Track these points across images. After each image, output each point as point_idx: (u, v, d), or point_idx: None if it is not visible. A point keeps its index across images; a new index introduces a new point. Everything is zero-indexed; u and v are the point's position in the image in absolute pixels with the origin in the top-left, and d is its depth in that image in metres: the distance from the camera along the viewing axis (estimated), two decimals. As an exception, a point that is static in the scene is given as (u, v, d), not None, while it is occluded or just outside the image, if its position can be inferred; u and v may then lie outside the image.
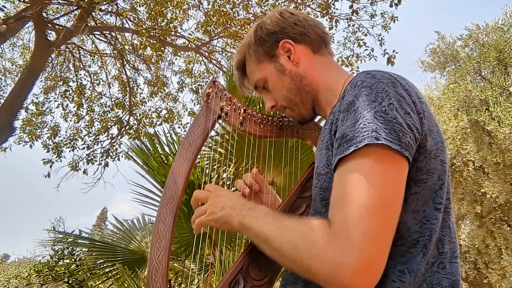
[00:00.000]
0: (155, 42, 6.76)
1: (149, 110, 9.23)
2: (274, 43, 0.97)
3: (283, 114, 1.09)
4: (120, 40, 8.56)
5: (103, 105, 9.12)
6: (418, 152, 0.71)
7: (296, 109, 1.00)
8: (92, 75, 9.26)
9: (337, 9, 8.11)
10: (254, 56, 1.00)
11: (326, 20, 7.37)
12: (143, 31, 6.19)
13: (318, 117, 1.06)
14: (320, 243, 0.65)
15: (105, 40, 8.53)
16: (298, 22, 0.98)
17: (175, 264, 3.14)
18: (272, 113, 1.09)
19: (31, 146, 8.43)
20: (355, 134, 0.67)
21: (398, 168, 0.67)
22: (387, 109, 0.68)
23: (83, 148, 8.54)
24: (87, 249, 3.42)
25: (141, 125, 8.90)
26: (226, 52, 8.63)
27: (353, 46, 7.63)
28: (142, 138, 6.93)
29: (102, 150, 8.61)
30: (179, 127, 8.93)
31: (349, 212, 0.64)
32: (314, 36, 0.98)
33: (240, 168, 2.43)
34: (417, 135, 0.69)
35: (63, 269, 3.65)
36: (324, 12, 7.21)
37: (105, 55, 9.20)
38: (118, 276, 2.74)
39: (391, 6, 7.03)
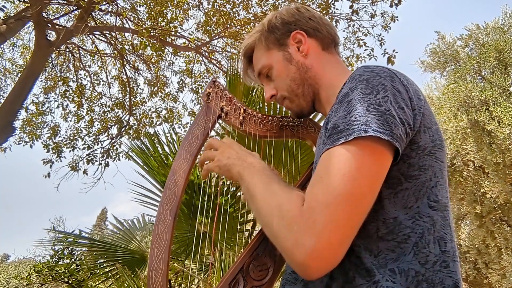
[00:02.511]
0: (155, 42, 6.75)
1: (149, 110, 9.24)
2: (286, 32, 0.99)
3: (283, 115, 1.08)
4: (120, 40, 8.56)
5: (103, 105, 9.12)
6: (410, 148, 0.71)
7: (296, 101, 1.01)
8: (92, 75, 9.27)
9: (337, 9, 8.12)
10: (265, 42, 1.01)
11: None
12: (143, 31, 6.19)
13: (319, 117, 1.07)
14: (290, 216, 0.67)
15: (105, 40, 8.53)
16: (313, 18, 1.00)
17: (175, 264, 3.14)
18: (272, 112, 1.09)
19: (31, 146, 8.43)
20: (345, 126, 0.68)
21: (380, 161, 0.67)
22: (381, 101, 0.69)
23: (83, 148, 8.54)
24: (87, 249, 3.42)
25: (141, 125, 8.90)
26: (226, 52, 8.63)
27: (353, 47, 7.65)
28: (142, 138, 6.93)
29: (102, 150, 8.61)
30: (179, 127, 8.94)
31: (319, 194, 0.65)
32: (326, 34, 1.00)
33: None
34: (408, 130, 0.70)
35: (63, 269, 3.64)
36: (324, 12, 7.21)
37: (105, 55, 9.20)
38: (118, 276, 2.74)
39: (391, 6, 7.04)
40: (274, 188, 0.76)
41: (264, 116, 1.09)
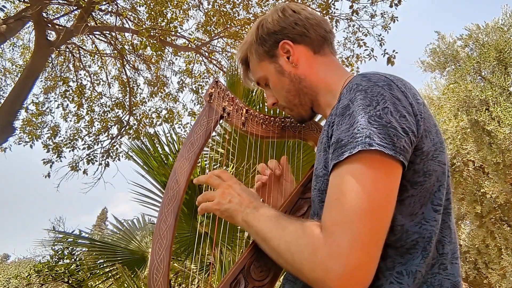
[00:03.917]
0: (155, 42, 6.75)
1: (149, 110, 9.25)
2: (274, 43, 0.96)
3: (285, 115, 1.09)
4: (120, 40, 8.56)
5: (103, 105, 9.13)
6: (415, 154, 0.71)
7: (295, 110, 1.01)
8: (92, 75, 9.27)
9: (337, 9, 8.13)
10: (255, 55, 1.00)
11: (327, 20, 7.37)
12: (143, 31, 6.18)
13: (319, 117, 1.07)
14: (310, 247, 0.66)
15: (105, 40, 8.53)
16: (299, 22, 0.95)
17: (175, 264, 3.14)
18: (272, 112, 1.09)
19: (31, 146, 8.43)
20: (349, 139, 0.67)
21: (390, 174, 0.67)
22: (382, 113, 0.68)
23: (83, 148, 8.55)
24: (87, 249, 3.42)
25: (141, 125, 8.91)
26: (226, 52, 8.64)
27: (353, 47, 7.66)
28: (142, 138, 6.94)
29: (102, 150, 8.62)
30: (179, 127, 8.96)
31: (338, 217, 0.64)
32: (314, 37, 0.96)
33: (240, 168, 2.42)
34: (412, 138, 0.69)
35: (63, 269, 3.65)
36: (324, 12, 7.21)
37: (105, 55, 9.20)
38: (118, 276, 2.74)
39: (391, 6, 7.04)
40: (284, 225, 0.75)
41: (266, 117, 1.09)
